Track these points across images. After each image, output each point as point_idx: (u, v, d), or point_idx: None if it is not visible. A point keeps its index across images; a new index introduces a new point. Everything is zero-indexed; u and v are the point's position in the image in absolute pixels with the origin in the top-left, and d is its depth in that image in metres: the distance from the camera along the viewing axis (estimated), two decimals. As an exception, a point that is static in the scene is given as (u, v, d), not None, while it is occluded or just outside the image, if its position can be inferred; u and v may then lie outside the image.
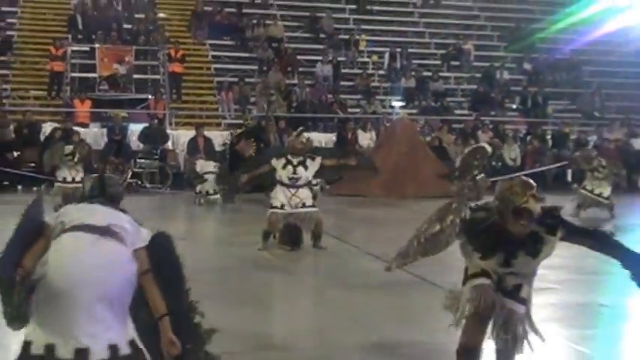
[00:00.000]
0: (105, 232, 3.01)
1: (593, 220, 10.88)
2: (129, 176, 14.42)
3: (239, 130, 14.68)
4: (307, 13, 20.85)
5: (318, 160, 8.19)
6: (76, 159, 11.25)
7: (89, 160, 11.75)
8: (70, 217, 3.07)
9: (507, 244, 3.49)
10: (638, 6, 20.79)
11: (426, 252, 3.89)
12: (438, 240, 3.73)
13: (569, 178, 16.01)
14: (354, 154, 10.09)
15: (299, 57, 19.41)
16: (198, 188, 12.51)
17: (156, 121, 15.90)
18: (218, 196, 12.40)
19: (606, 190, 11.23)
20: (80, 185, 11.24)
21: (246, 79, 18.03)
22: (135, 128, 15.45)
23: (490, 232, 3.50)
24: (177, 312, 3.11)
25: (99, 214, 3.10)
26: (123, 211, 3.22)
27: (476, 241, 3.57)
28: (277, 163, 8.13)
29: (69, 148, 11.46)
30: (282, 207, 7.99)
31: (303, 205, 8.02)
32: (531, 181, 3.58)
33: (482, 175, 12.31)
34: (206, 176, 12.46)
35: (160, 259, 3.14)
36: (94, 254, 2.95)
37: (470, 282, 3.69)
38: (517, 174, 15.72)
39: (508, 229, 3.46)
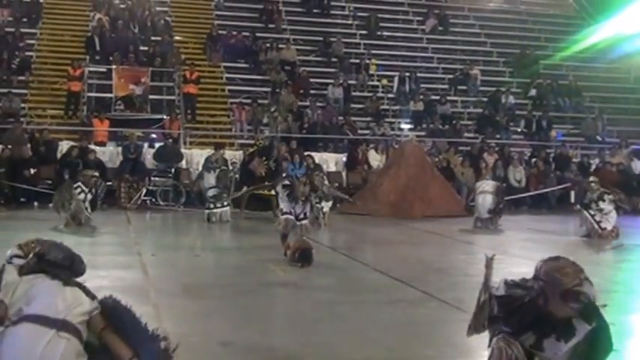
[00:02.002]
0: (61, 326, 3.06)
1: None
2: (143, 194, 14.79)
3: (251, 149, 14.93)
4: (319, 38, 21.30)
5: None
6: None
7: (96, 191, 11.94)
8: (23, 297, 3.11)
9: (543, 325, 3.29)
10: (637, 36, 21.16)
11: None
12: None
13: (572, 199, 16.24)
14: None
15: (311, 80, 19.79)
16: (207, 203, 12.69)
17: (170, 140, 16.19)
18: (227, 209, 12.65)
19: (609, 224, 11.32)
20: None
21: (259, 101, 18.41)
22: (150, 147, 15.77)
23: (527, 310, 3.28)
24: (144, 351, 3.21)
25: (54, 297, 3.11)
26: (71, 277, 3.24)
27: (510, 319, 3.31)
28: (282, 191, 8.78)
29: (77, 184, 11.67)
30: (290, 212, 8.66)
31: (304, 216, 8.70)
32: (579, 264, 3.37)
33: None
34: (211, 191, 12.64)
35: (116, 314, 3.27)
36: (48, 354, 3.00)
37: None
38: (522, 195, 16.18)
39: (548, 310, 3.26)
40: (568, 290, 3.21)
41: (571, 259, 3.37)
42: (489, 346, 3.38)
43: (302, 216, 8.63)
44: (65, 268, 3.31)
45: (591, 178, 12.37)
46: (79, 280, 3.40)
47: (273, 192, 11.49)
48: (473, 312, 3.41)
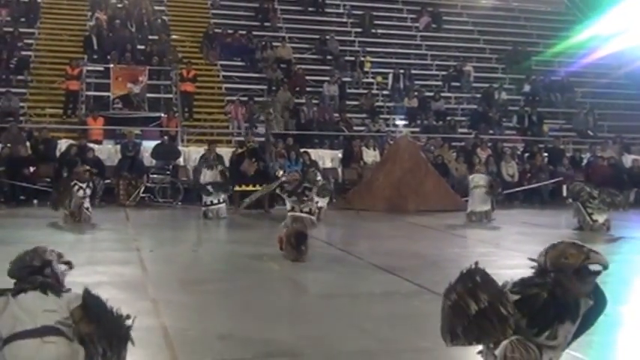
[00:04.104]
0: (43, 332, 3.12)
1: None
2: (142, 191, 14.94)
3: (240, 150, 14.85)
4: (314, 36, 21.41)
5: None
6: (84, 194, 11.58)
7: (94, 185, 12.14)
8: (5, 325, 3.16)
9: (563, 314, 3.28)
10: (628, 32, 21.38)
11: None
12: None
13: (564, 193, 16.39)
14: None
15: (307, 77, 19.89)
16: (203, 200, 12.81)
17: (166, 137, 16.28)
18: (223, 205, 12.78)
19: (601, 218, 11.41)
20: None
21: (256, 99, 18.52)
22: (148, 145, 15.84)
23: (550, 305, 3.24)
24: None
25: (34, 308, 3.18)
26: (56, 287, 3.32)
27: (536, 319, 3.25)
28: (280, 191, 9.11)
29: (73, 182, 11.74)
30: (292, 209, 8.88)
31: (309, 212, 8.99)
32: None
33: None
34: (208, 187, 12.75)
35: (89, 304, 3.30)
36: (46, 353, 3.09)
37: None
38: (516, 189, 16.34)
39: (567, 298, 3.25)
40: (578, 269, 3.24)
41: (568, 240, 3.45)
42: (494, 349, 3.33)
43: (307, 210, 8.86)
44: (35, 271, 3.33)
45: (584, 188, 12.01)
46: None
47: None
48: (462, 323, 3.27)
